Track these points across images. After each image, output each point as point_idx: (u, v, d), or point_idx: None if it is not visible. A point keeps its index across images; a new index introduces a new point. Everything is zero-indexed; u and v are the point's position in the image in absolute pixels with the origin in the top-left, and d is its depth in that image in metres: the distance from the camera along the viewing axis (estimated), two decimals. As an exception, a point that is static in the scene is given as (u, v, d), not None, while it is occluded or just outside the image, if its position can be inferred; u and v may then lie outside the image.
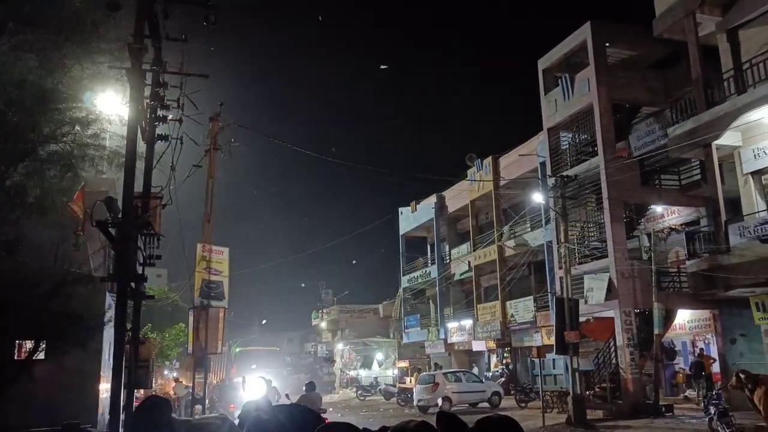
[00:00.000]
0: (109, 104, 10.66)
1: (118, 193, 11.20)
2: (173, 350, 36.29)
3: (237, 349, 38.17)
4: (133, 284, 9.51)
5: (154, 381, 19.84)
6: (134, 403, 12.54)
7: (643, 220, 23.70)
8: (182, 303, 35.77)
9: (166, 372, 39.47)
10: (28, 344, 11.56)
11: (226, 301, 17.49)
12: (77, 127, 10.05)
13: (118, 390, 8.24)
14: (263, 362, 35.77)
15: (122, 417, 8.92)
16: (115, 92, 10.44)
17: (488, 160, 31.90)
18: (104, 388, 14.57)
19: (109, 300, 13.78)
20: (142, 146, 10.24)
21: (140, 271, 10.18)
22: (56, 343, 11.47)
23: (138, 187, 9.78)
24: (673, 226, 22.82)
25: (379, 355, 44.51)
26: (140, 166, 9.79)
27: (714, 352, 21.65)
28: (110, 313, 11.78)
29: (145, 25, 9.25)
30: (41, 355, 12.48)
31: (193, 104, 12.28)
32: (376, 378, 40.00)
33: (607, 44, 23.01)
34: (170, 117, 11.30)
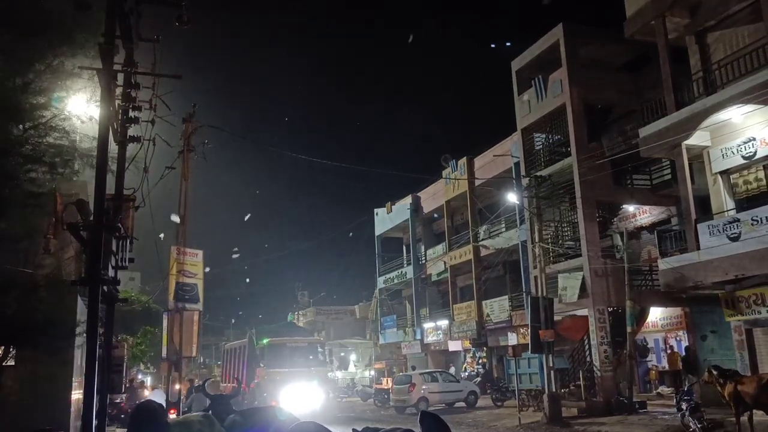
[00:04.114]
0: (80, 105, 10.49)
1: (90, 195, 11.03)
2: (145, 354, 34.71)
3: (264, 341, 26.80)
4: (105, 288, 9.37)
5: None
6: (107, 409, 12.37)
7: (615, 219, 24.01)
8: (155, 306, 35.17)
9: (140, 376, 38.90)
10: (-2, 351, 11.33)
11: (200, 304, 17.28)
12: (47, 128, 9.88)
13: (90, 395, 8.11)
14: (302, 359, 25.53)
15: (95, 423, 8.78)
16: (85, 93, 10.28)
17: (463, 161, 32.07)
18: (77, 393, 14.34)
19: (81, 304, 13.55)
20: (114, 148, 10.10)
21: (113, 275, 10.03)
22: (27, 349, 11.26)
23: (110, 189, 9.63)
24: (645, 225, 23.15)
25: (355, 356, 44.40)
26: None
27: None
28: (82, 318, 11.60)
29: (116, 24, 9.12)
30: (11, 361, 12.25)
31: (166, 105, 12.13)
32: (352, 379, 39.91)
33: (579, 46, 23.29)
34: (142, 118, 11.15)
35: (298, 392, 23.44)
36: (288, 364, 24.62)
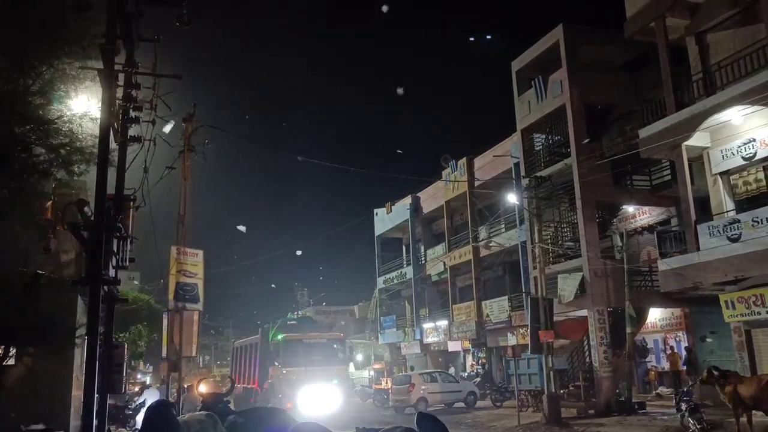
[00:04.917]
0: (81, 104, 10.49)
1: (90, 195, 11.04)
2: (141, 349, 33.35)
3: (279, 336, 23.62)
4: (105, 288, 9.37)
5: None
6: (107, 408, 12.36)
7: (615, 220, 24.05)
8: (156, 305, 35.05)
9: (139, 376, 38.86)
10: (-2, 350, 11.32)
11: (200, 304, 17.24)
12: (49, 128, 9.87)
13: (91, 395, 8.12)
14: (320, 357, 23.09)
15: (95, 423, 8.79)
16: (87, 92, 10.28)
17: (463, 161, 32.06)
18: (77, 393, 14.33)
19: (82, 304, 13.55)
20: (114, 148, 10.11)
21: (113, 275, 10.03)
22: (27, 348, 11.26)
23: (110, 189, 9.64)
24: (645, 226, 23.17)
25: (359, 356, 44.33)
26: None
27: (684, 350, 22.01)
28: (83, 318, 11.59)
29: (117, 25, 9.13)
30: (11, 361, 12.25)
31: (167, 105, 12.15)
32: (352, 380, 39.84)
33: (579, 46, 23.30)
34: (143, 118, 11.16)
35: (316, 393, 21.88)
36: (305, 362, 22.49)
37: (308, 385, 21.91)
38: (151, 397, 20.93)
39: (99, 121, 8.88)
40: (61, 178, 10.60)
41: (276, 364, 23.17)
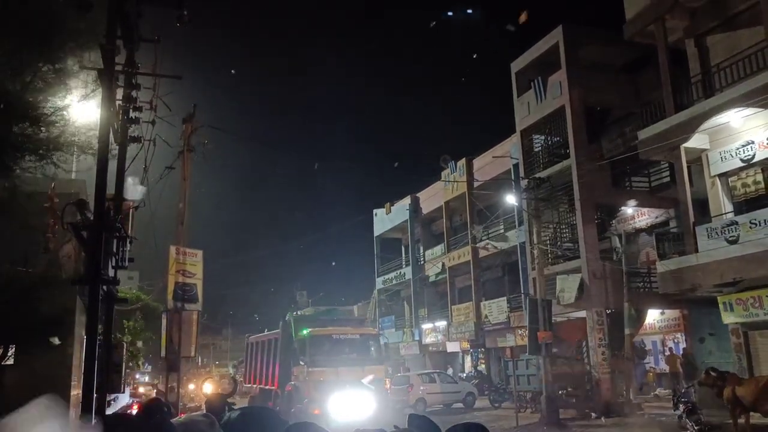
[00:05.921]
0: (80, 104, 10.51)
1: (89, 194, 11.05)
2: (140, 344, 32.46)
3: (305, 331, 20.38)
4: (104, 288, 9.38)
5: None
6: (106, 409, 12.37)
7: (614, 221, 24.07)
8: (154, 304, 34.94)
9: (137, 376, 38.89)
10: (-2, 350, 11.34)
11: (200, 304, 17.24)
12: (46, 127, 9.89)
13: (89, 395, 8.13)
14: (353, 355, 20.36)
15: (94, 422, 8.80)
16: (86, 92, 10.30)
17: (462, 162, 32.06)
18: (76, 392, 14.34)
19: (80, 304, 13.55)
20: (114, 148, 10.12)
21: (112, 274, 10.04)
22: (26, 348, 11.28)
23: (110, 189, 9.65)
24: (644, 227, 23.19)
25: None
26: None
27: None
28: (82, 318, 11.61)
29: (117, 25, 9.14)
30: (10, 361, 12.27)
31: (167, 106, 12.17)
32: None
33: (579, 47, 23.33)
34: (143, 119, 11.18)
35: (349, 398, 18.77)
36: (336, 361, 19.62)
37: (340, 389, 18.87)
38: (120, 395, 20.76)
39: (98, 119, 8.90)
40: (61, 176, 10.62)
41: (301, 363, 20.18)
